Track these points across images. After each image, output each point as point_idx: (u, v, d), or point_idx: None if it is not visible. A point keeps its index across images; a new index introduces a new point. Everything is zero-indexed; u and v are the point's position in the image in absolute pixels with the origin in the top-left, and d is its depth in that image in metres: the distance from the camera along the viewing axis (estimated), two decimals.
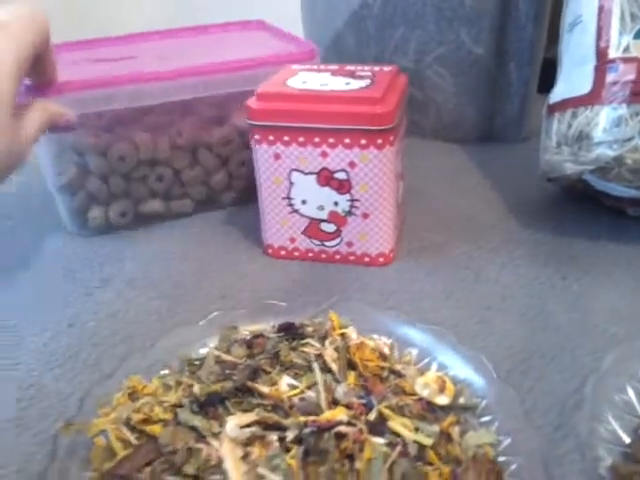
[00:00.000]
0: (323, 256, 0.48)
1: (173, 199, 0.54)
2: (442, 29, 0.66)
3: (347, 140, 0.42)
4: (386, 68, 0.48)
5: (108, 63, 0.53)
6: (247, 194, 0.55)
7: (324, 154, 0.43)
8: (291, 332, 0.37)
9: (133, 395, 0.33)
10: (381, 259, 0.47)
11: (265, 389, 0.32)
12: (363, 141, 0.42)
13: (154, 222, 0.54)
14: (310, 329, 0.37)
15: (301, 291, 0.45)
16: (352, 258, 0.47)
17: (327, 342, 0.36)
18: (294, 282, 0.46)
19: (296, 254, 0.48)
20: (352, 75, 0.46)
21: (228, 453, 0.28)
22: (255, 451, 0.29)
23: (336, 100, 0.42)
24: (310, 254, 0.48)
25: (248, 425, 0.30)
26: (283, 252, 0.48)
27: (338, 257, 0.48)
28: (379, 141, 0.42)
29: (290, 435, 0.29)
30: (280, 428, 0.30)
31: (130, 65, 0.52)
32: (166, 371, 0.36)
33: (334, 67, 0.49)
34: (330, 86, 0.44)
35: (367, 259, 0.47)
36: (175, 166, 0.52)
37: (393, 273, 0.47)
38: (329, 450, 0.28)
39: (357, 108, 0.41)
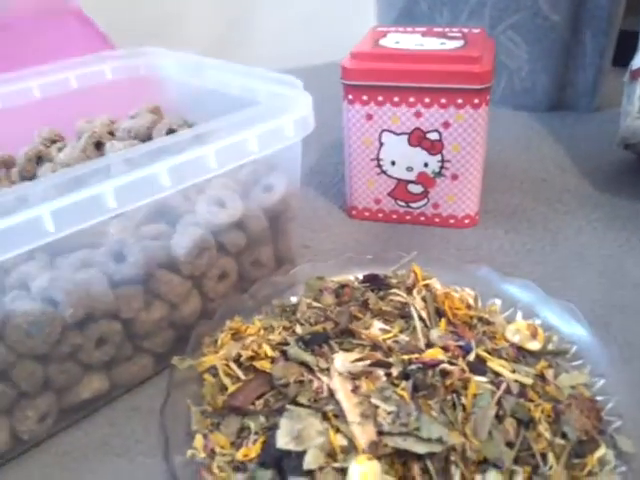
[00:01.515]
0: (407, 218, 0.50)
1: (119, 365, 0.34)
2: None
3: (443, 100, 0.44)
4: (474, 30, 0.49)
5: None
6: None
7: (418, 114, 0.45)
8: (376, 283, 0.39)
9: (236, 335, 0.35)
10: (467, 221, 0.49)
11: (364, 331, 0.35)
12: (460, 100, 0.43)
13: (90, 410, 0.34)
14: (394, 281, 0.39)
15: (384, 248, 0.47)
16: (437, 220, 0.49)
17: (414, 292, 0.38)
18: (377, 240, 0.48)
19: (380, 215, 0.50)
20: (444, 36, 0.48)
21: (339, 386, 0.30)
22: (363, 385, 0.30)
23: (435, 59, 0.43)
24: (394, 216, 0.50)
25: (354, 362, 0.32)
26: (367, 213, 0.50)
27: (423, 219, 0.49)
28: (476, 100, 0.43)
29: (395, 371, 0.31)
30: (383, 366, 0.31)
31: None
32: (260, 316, 0.37)
33: (422, 28, 0.50)
34: (425, 46, 0.45)
35: (452, 221, 0.49)
36: (123, 315, 0.33)
37: (471, 231, 0.49)
38: (436, 385, 0.30)
39: (456, 67, 0.43)
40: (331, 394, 0.30)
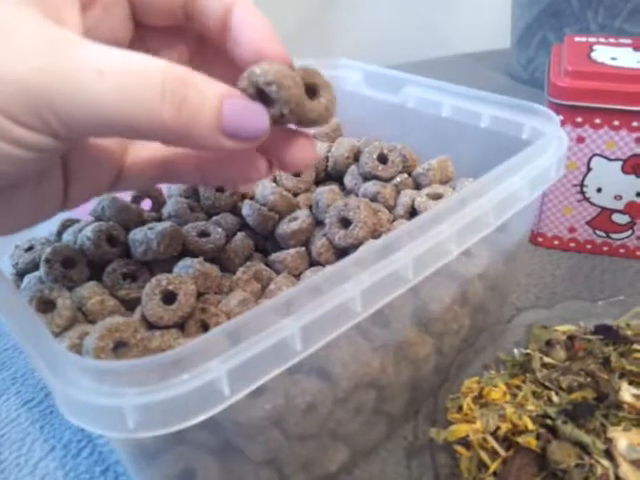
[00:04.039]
0: (605, 249, 0.45)
1: (359, 432, 0.32)
2: None
3: None
4: None
5: None
6: None
7: (639, 140, 0.40)
8: (611, 336, 0.35)
9: (480, 400, 0.32)
10: None
11: (628, 399, 0.31)
12: None
13: None
14: (629, 333, 0.35)
15: (588, 286, 0.43)
16: None
17: None
18: (576, 275, 0.44)
19: (572, 245, 0.46)
20: None
21: (630, 476, 0.26)
22: None
23: None
24: (589, 246, 0.45)
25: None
26: (556, 242, 0.46)
27: (623, 251, 0.45)
28: None
29: None
30: None
31: None
32: (490, 373, 0.34)
33: (628, 40, 0.45)
34: None
35: None
36: (382, 382, 0.29)
37: None
38: None
39: None
40: None
